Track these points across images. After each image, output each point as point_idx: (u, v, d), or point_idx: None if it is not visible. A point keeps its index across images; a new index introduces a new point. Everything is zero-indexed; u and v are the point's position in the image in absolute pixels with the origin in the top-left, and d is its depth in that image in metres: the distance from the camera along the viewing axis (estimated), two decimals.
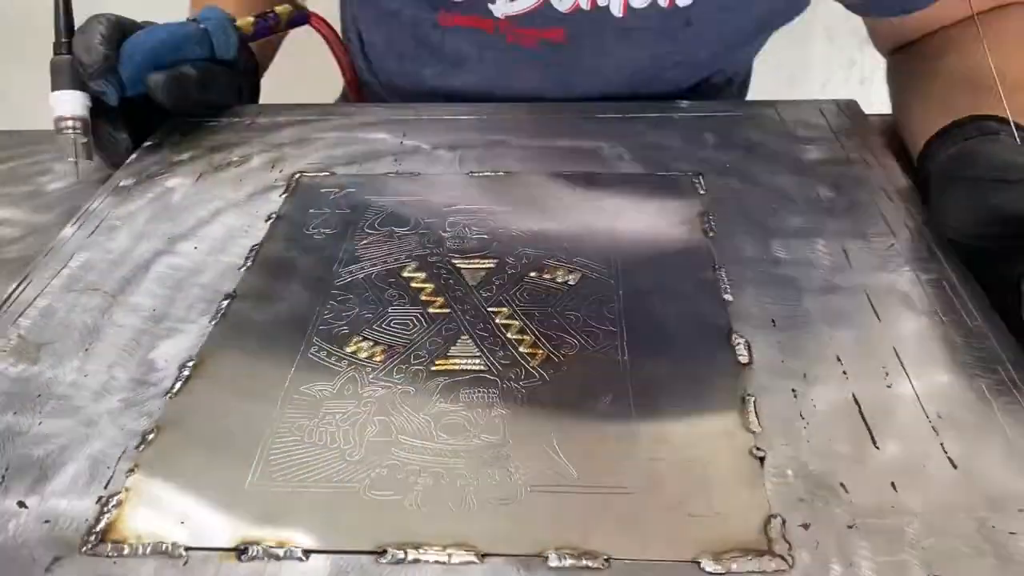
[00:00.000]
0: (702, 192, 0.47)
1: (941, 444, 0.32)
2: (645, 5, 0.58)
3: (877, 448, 0.32)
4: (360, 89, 0.72)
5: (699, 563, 0.28)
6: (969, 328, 0.37)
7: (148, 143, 0.56)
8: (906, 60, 0.61)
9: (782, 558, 0.28)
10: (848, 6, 0.58)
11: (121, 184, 0.51)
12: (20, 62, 0.87)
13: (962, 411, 0.33)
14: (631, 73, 0.62)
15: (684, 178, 0.49)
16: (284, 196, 0.49)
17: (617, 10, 0.58)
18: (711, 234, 0.44)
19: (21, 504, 0.31)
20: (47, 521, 0.30)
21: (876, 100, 0.60)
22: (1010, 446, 0.32)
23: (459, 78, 0.64)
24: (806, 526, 0.29)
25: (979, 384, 0.34)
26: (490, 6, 0.60)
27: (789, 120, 0.55)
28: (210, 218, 0.47)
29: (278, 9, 0.61)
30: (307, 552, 0.29)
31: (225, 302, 0.41)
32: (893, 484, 0.30)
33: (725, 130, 0.54)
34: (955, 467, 0.31)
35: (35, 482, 0.32)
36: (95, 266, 0.44)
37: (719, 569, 0.28)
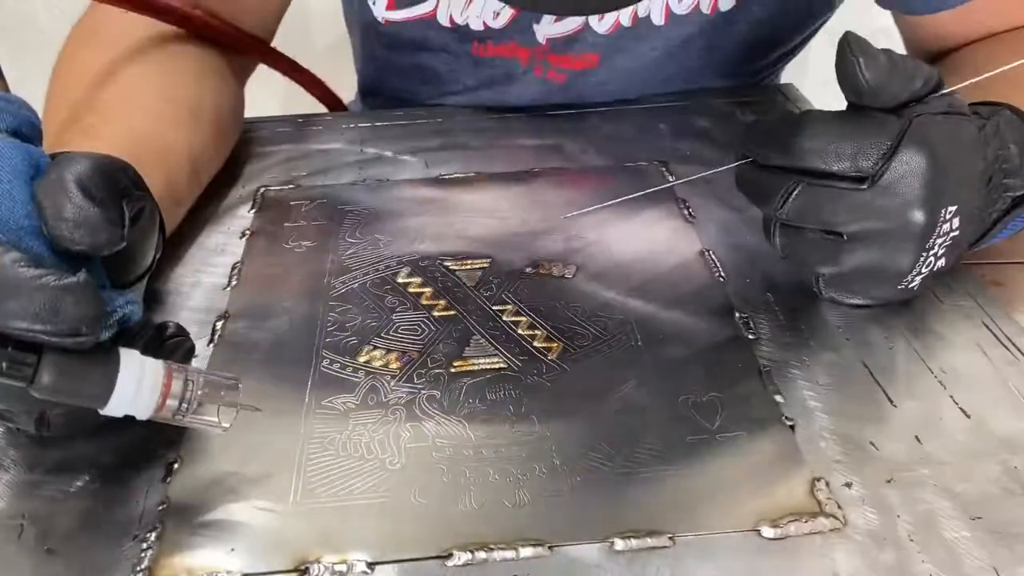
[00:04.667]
0: (672, 180, 0.49)
1: (951, 396, 0.34)
2: (688, 11, 0.55)
3: (895, 406, 0.34)
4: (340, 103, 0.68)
5: (759, 531, 0.29)
6: (952, 289, 0.39)
7: None
8: None
9: (835, 517, 0.29)
10: (878, 1, 0.53)
11: None
12: (20, 62, 0.82)
13: (963, 365, 0.35)
14: (663, 79, 0.59)
15: (653, 167, 0.50)
16: (253, 211, 0.48)
17: (658, 18, 0.55)
18: (692, 219, 0.45)
19: (50, 552, 0.29)
20: (82, 568, 0.29)
21: None
22: (1013, 393, 0.34)
23: (478, 99, 0.61)
24: (849, 485, 0.31)
25: (974, 339, 0.37)
26: (535, 26, 0.56)
27: (735, 107, 0.57)
28: (182, 239, 0.45)
29: None
30: (371, 565, 0.28)
31: (219, 323, 0.39)
32: (917, 438, 0.32)
33: (677, 120, 0.56)
34: (968, 417, 0.33)
35: (63, 528, 0.30)
36: None
37: (779, 535, 0.29)
